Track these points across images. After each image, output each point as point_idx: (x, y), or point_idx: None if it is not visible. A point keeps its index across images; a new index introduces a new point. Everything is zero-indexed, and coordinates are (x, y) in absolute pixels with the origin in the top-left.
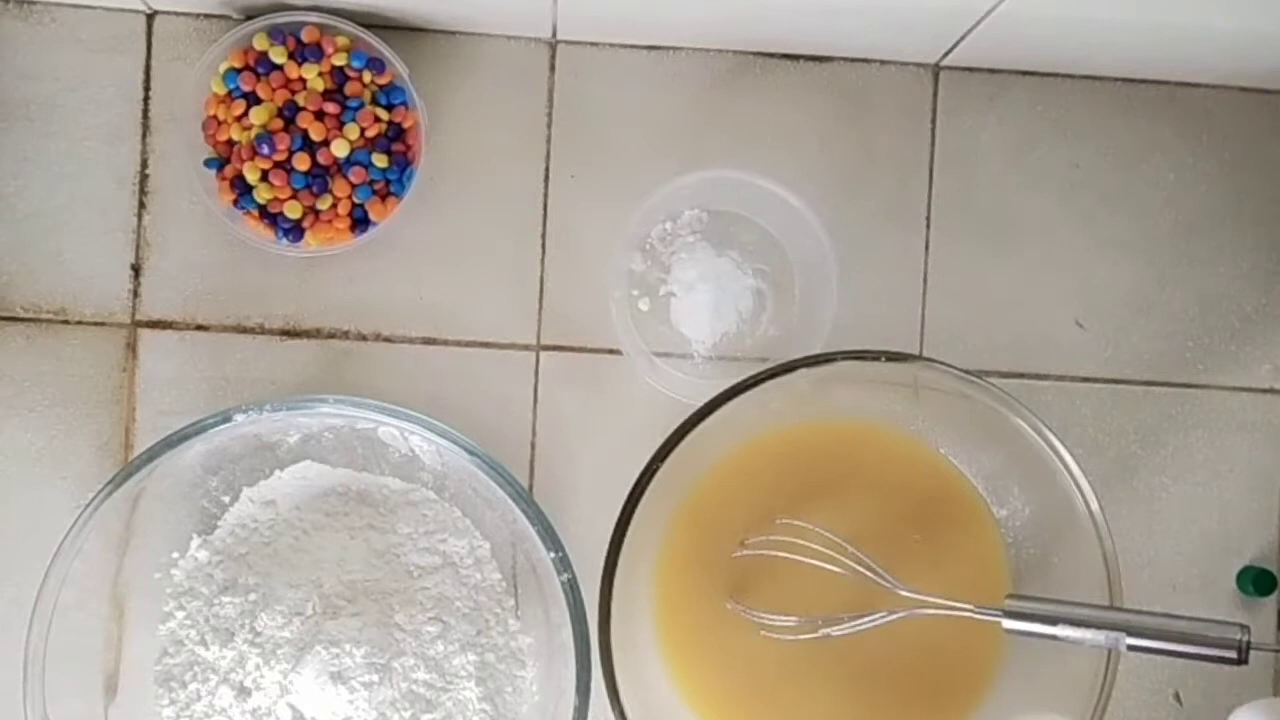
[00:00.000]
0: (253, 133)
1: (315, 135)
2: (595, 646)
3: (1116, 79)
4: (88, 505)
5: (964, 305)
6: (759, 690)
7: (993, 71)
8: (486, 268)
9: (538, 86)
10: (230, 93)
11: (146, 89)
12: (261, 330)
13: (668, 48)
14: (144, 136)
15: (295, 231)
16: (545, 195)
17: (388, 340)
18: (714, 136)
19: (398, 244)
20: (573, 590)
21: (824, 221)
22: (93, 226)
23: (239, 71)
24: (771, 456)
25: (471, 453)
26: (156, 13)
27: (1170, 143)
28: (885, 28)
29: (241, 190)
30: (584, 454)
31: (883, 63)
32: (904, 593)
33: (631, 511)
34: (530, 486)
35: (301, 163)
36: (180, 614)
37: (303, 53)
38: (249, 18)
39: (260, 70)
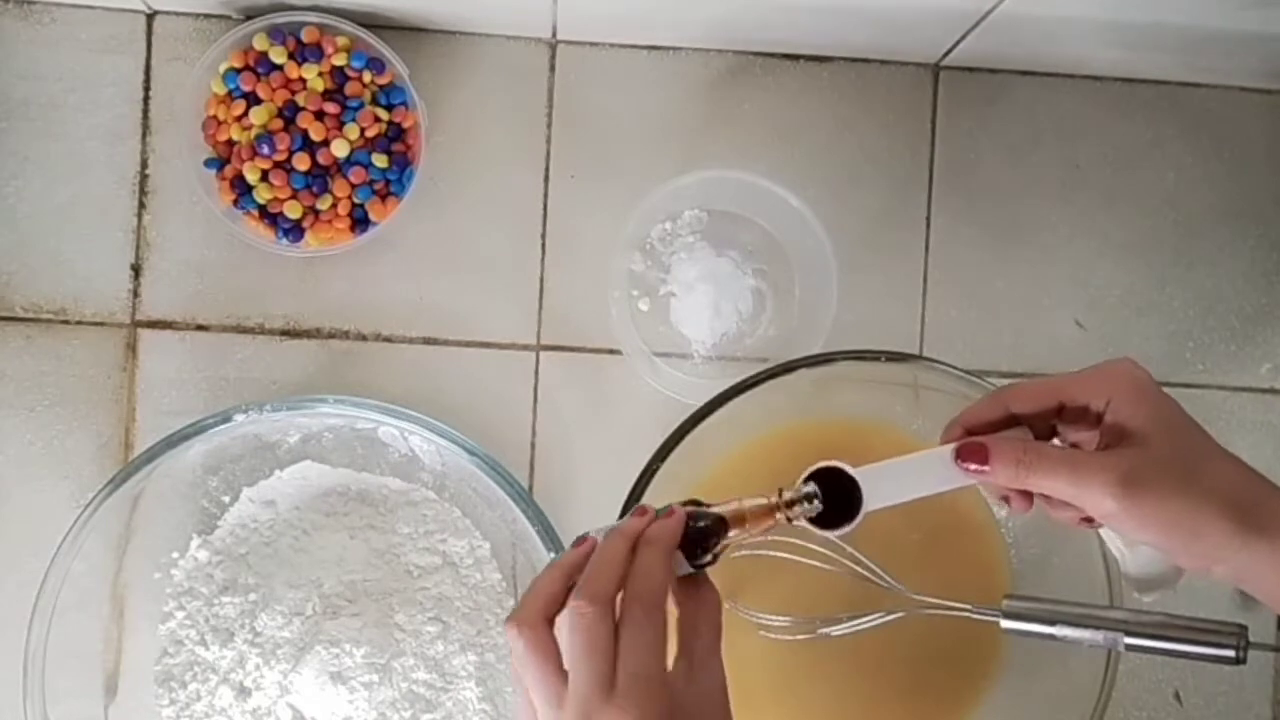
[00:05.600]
0: (253, 133)
1: (315, 135)
2: None
3: (1116, 79)
4: (88, 505)
5: (964, 305)
6: (758, 690)
7: (993, 71)
8: (486, 268)
9: (538, 86)
10: (230, 93)
11: (146, 89)
12: (261, 330)
13: (668, 48)
14: (144, 136)
15: (295, 231)
16: (545, 195)
17: (388, 340)
18: (714, 136)
19: (398, 244)
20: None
21: (824, 221)
22: (93, 226)
23: (239, 71)
24: (771, 456)
25: (471, 453)
26: (156, 13)
27: (1170, 143)
28: (885, 28)
29: (241, 190)
30: (584, 454)
31: (883, 63)
32: (902, 593)
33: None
34: (530, 486)
35: (301, 163)
36: (180, 614)
37: (303, 53)
38: (249, 18)
39: (260, 70)
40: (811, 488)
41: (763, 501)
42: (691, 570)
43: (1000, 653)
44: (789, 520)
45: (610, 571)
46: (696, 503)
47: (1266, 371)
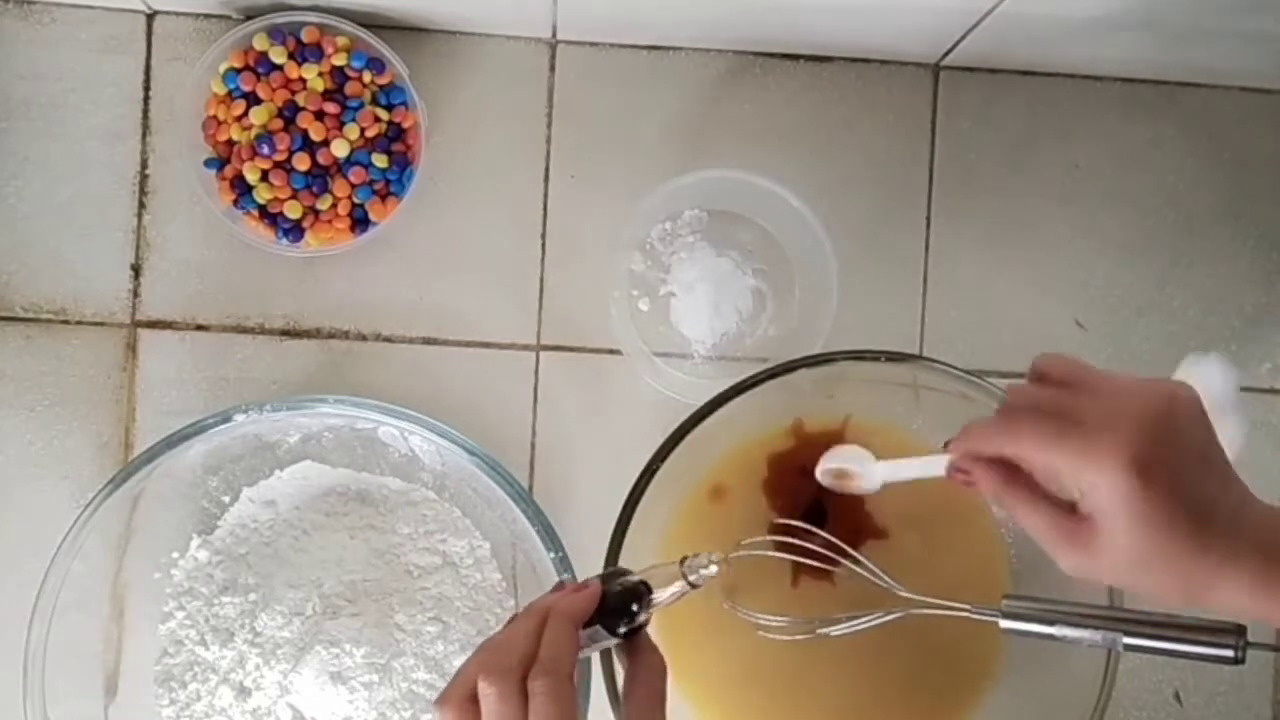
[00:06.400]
0: (253, 133)
1: (315, 135)
2: None
3: (1116, 79)
4: (88, 505)
5: (964, 305)
6: (758, 690)
7: (993, 71)
8: (486, 268)
9: (538, 86)
10: (230, 93)
11: (146, 89)
12: (261, 330)
13: (668, 48)
14: (144, 136)
15: (295, 231)
16: (545, 195)
17: (388, 340)
18: (714, 136)
19: (398, 244)
20: None
21: (824, 221)
22: (93, 226)
23: (239, 71)
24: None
25: (471, 453)
26: (156, 13)
27: (1170, 143)
28: (885, 28)
29: (241, 190)
30: (584, 454)
31: (883, 63)
32: (901, 593)
33: (631, 511)
34: (530, 486)
35: (301, 163)
36: (180, 614)
37: (303, 53)
38: (249, 18)
39: (260, 70)
40: (717, 556)
41: (671, 566)
42: (613, 641)
43: (1000, 653)
44: (692, 585)
45: (515, 648)
46: (622, 571)
47: (1266, 371)
